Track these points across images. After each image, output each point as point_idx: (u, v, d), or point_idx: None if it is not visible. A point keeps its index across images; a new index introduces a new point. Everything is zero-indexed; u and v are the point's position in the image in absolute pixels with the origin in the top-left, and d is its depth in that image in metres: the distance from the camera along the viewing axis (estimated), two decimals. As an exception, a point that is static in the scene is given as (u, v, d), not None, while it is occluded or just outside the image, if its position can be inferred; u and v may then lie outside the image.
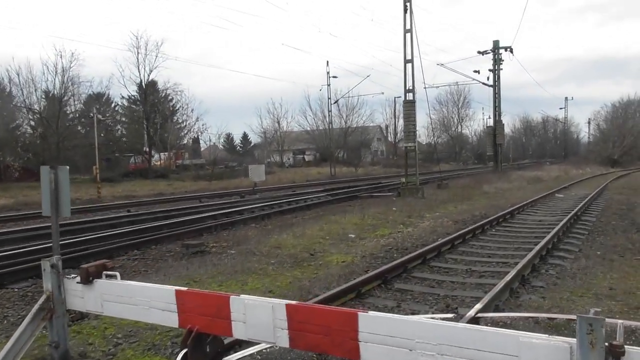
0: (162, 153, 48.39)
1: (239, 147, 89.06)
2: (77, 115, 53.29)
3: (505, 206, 15.62)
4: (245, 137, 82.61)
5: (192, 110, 51.74)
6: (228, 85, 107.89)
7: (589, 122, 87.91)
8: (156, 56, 39.59)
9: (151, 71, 40.36)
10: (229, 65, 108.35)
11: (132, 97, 52.84)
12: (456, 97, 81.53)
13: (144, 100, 41.16)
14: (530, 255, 7.80)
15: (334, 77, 43.96)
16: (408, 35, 18.25)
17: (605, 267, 7.57)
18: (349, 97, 58.77)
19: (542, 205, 16.52)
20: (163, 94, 51.15)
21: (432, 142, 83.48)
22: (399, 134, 72.55)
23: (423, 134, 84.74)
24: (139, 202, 21.58)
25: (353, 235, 10.45)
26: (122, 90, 45.28)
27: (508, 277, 6.44)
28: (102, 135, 52.63)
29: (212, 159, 42.41)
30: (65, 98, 48.54)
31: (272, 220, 13.84)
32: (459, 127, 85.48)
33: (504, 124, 38.13)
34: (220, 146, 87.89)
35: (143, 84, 39.92)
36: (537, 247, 8.39)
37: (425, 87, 41.65)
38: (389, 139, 77.96)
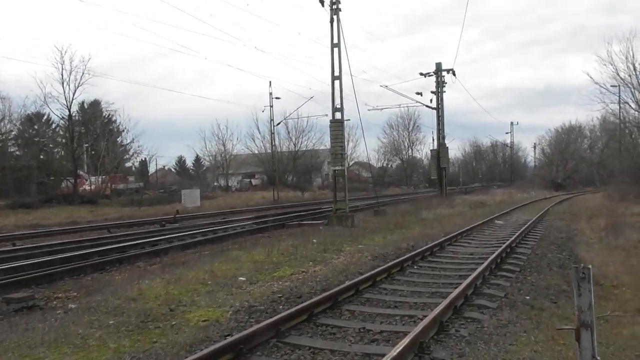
0: (98, 177, 45.27)
1: (191, 170, 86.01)
2: (10, 136, 49.56)
3: (438, 236, 14.19)
4: (197, 160, 79.77)
5: (127, 131, 48.81)
6: (170, 107, 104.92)
7: (534, 147, 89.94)
8: (82, 73, 36.80)
9: (76, 88, 37.46)
10: (166, 85, 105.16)
11: (71, 117, 49.74)
12: (406, 121, 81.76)
13: (68, 121, 38.17)
14: (441, 307, 6.18)
15: (277, 97, 42.33)
16: (336, 49, 16.88)
17: (532, 323, 6.04)
18: (297, 118, 57.33)
19: (478, 233, 15.22)
20: (95, 114, 48.31)
21: (384, 166, 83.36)
22: (348, 157, 71.76)
23: (374, 158, 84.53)
24: (40, 233, 18.97)
25: (243, 279, 8.61)
26: (46, 109, 41.44)
27: (400, 346, 4.76)
28: (41, 157, 49.16)
29: (143, 184, 39.60)
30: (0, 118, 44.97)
31: (165, 257, 11.81)
32: (410, 150, 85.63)
33: (447, 147, 37.52)
34: (174, 169, 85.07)
35: (67, 102, 36.98)
36: (454, 294, 6.80)
37: (369, 109, 40.79)
38: (340, 162, 76.96)
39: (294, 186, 59.09)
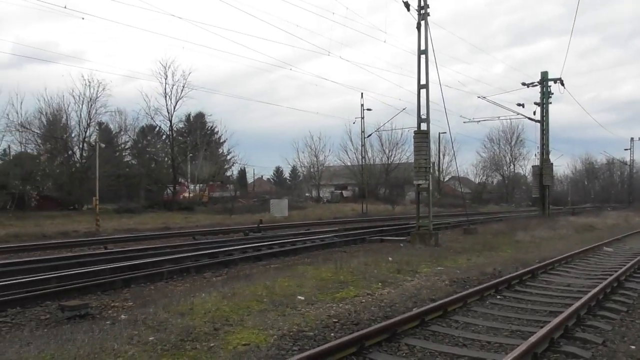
0: (196, 185, 47.70)
1: (288, 181, 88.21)
2: (127, 146, 54.06)
3: (532, 261, 12.66)
4: (294, 170, 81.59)
5: (224, 141, 50.94)
6: (272, 120, 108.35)
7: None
8: (183, 86, 38.94)
9: (177, 101, 39.70)
10: (267, 99, 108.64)
11: (179, 129, 53.14)
12: (509, 135, 77.12)
13: (170, 131, 40.50)
14: (517, 351, 5.14)
15: (368, 109, 41.83)
16: (423, 57, 15.93)
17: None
18: (391, 130, 56.34)
19: (580, 261, 13.38)
20: (197, 125, 50.99)
21: (482, 181, 79.18)
22: (444, 172, 69.15)
23: (472, 173, 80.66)
24: (132, 238, 20.01)
25: (302, 298, 8.04)
26: (146, 120, 44.38)
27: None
28: (152, 166, 53.07)
29: (236, 192, 40.81)
30: (117, 130, 49.30)
31: (234, 268, 11.64)
32: (512, 166, 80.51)
33: (552, 164, 34.41)
34: (271, 179, 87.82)
35: (170, 113, 39.25)
36: (537, 336, 5.68)
37: (465, 122, 38.79)
38: (435, 176, 74.33)
39: (385, 199, 57.99)
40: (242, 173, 76.39)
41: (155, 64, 76.68)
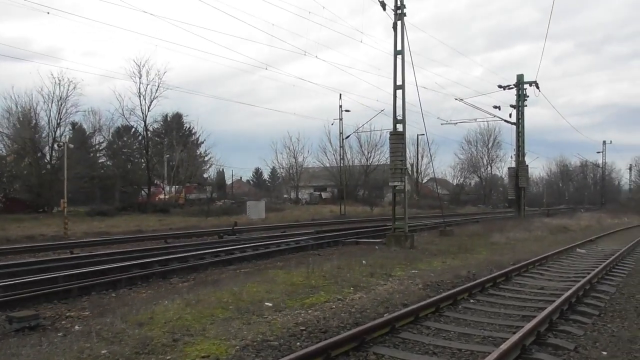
0: (171, 186, 46.89)
1: (268, 182, 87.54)
2: (102, 147, 52.88)
3: (506, 264, 12.61)
4: (273, 172, 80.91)
5: (202, 142, 50.29)
6: (250, 121, 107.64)
7: (630, 168, 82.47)
8: (158, 85, 38.25)
9: (152, 101, 39.00)
10: (246, 100, 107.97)
11: (155, 130, 52.18)
12: (486, 137, 78.01)
13: (145, 131, 39.73)
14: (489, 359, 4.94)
15: (347, 110, 41.71)
16: (399, 57, 15.78)
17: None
18: (370, 132, 56.34)
19: (554, 263, 13.38)
20: (174, 125, 50.21)
21: (460, 183, 79.83)
22: (422, 173, 69.52)
23: (449, 174, 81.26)
24: (103, 241, 19.42)
25: (270, 304, 7.74)
26: (133, 122, 43.47)
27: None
28: (129, 167, 51.98)
29: (212, 194, 40.23)
30: (92, 131, 48.15)
31: (203, 273, 11.28)
32: (490, 168, 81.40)
33: (527, 166, 34.77)
34: (250, 181, 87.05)
35: (144, 113, 38.50)
36: (509, 343, 5.50)
37: (442, 124, 38.96)
38: (414, 177, 74.66)
39: (364, 201, 57.98)
40: (221, 175, 75.57)
41: (130, 63, 75.20)
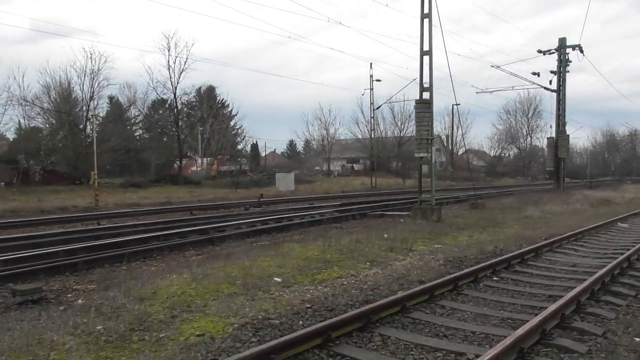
0: (203, 159, 47.31)
1: (302, 155, 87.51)
2: (138, 120, 53.69)
3: (537, 239, 11.96)
4: (307, 144, 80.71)
5: (235, 115, 50.30)
6: (286, 94, 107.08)
7: (682, 137, 77.89)
8: (187, 57, 38.17)
9: (181, 73, 39.01)
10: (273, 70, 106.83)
11: (189, 102, 52.52)
12: (525, 106, 75.09)
13: (175, 103, 39.90)
14: (502, 345, 4.50)
15: (378, 80, 40.64)
16: (426, 21, 14.90)
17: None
18: (404, 101, 55.02)
19: (591, 238, 12.59)
20: (206, 98, 50.29)
21: (498, 154, 77.55)
22: (458, 144, 67.76)
23: (486, 146, 79.01)
24: (131, 213, 19.67)
25: (279, 280, 7.46)
26: (155, 94, 43.89)
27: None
28: (165, 139, 52.74)
29: (241, 166, 40.27)
30: (127, 104, 48.90)
31: (219, 245, 11.12)
32: (529, 138, 78.59)
33: (568, 135, 33.09)
34: (285, 153, 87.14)
35: (173, 86, 38.58)
36: (529, 325, 5.03)
37: (477, 92, 37.43)
38: (449, 149, 72.89)
39: (396, 173, 57.09)
40: (255, 147, 75.93)
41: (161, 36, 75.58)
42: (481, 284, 7.64)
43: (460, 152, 70.91)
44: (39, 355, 4.57)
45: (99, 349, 4.76)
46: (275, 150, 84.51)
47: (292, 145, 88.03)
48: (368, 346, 5.07)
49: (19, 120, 37.16)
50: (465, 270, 8.00)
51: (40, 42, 76.74)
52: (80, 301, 6.50)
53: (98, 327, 5.33)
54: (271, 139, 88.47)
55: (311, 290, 7.04)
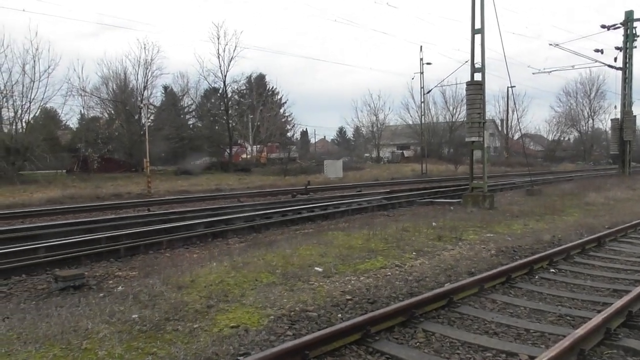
0: (252, 146, 47.77)
1: (352, 141, 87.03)
2: (191, 109, 54.96)
3: (600, 227, 11.13)
4: (357, 130, 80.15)
5: (284, 102, 50.42)
6: (322, 77, 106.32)
7: None
8: (235, 46, 38.47)
9: (230, 61, 39.37)
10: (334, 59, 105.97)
11: (240, 91, 53.21)
12: (587, 87, 70.93)
13: (224, 92, 40.36)
14: (558, 349, 4.05)
15: (428, 63, 39.48)
16: (478, -3, 14.05)
17: None
18: (456, 85, 53.32)
19: (661, 227, 11.57)
20: (254, 86, 50.64)
21: (556, 138, 73.92)
22: (513, 129, 65.15)
23: (544, 129, 75.51)
24: (181, 199, 20.05)
25: (320, 269, 7.22)
26: (206, 83, 44.66)
27: None
28: (217, 127, 53.82)
29: (289, 153, 40.31)
30: (181, 93, 50.14)
31: (263, 233, 11.02)
32: (591, 121, 74.34)
33: (635, 116, 30.91)
34: (335, 140, 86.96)
35: (223, 74, 39.02)
36: (589, 326, 4.53)
37: (534, 73, 35.58)
38: (504, 133, 70.15)
39: (448, 159, 55.56)
40: (304, 134, 76.18)
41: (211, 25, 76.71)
42: (537, 277, 7.11)
43: (515, 137, 68.10)
44: (71, 343, 4.54)
45: (131, 339, 4.68)
46: (325, 137, 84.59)
47: (341, 132, 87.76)
48: (410, 343, 4.74)
49: (80, 110, 38.87)
50: (520, 262, 7.47)
51: (99, 35, 79.66)
52: (120, 288, 6.52)
53: (134, 316, 5.27)
54: (321, 126, 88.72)
55: (353, 281, 6.75)
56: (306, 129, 68.49)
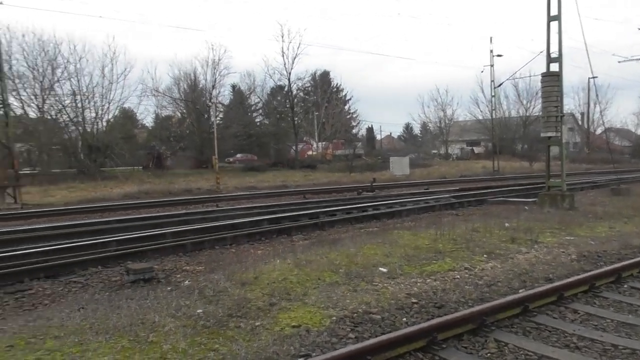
0: (318, 143, 48.04)
1: (419, 138, 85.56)
2: (258, 107, 56.29)
3: (699, 231, 10.06)
4: (424, 126, 78.61)
5: (349, 99, 50.25)
6: (389, 72, 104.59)
7: None
8: (299, 43, 38.80)
9: (294, 59, 39.75)
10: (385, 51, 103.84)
11: (305, 88, 53.82)
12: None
13: (288, 89, 40.79)
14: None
15: (499, 55, 37.69)
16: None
17: None
18: (529, 77, 50.72)
19: None
20: (319, 83, 50.84)
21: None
22: (595, 122, 61.10)
23: (631, 123, 70.20)
24: (248, 195, 20.46)
25: (384, 270, 6.99)
26: (272, 82, 45.45)
27: None
28: (283, 125, 54.87)
29: (353, 151, 40.04)
30: (248, 92, 51.54)
31: (327, 230, 10.91)
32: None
33: None
34: (401, 137, 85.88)
35: (287, 72, 39.46)
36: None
37: (620, 62, 33.05)
38: (584, 128, 65.93)
39: (522, 155, 53.03)
40: (370, 130, 75.56)
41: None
42: (625, 286, 6.48)
43: (598, 131, 63.86)
44: (139, 335, 4.63)
45: (195, 334, 4.71)
46: (390, 133, 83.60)
47: (408, 128, 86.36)
48: (480, 353, 4.43)
49: (155, 110, 40.86)
50: (605, 268, 6.86)
51: (170, 38, 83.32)
52: (186, 282, 6.64)
53: (198, 311, 5.32)
54: (387, 123, 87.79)
55: (419, 283, 6.47)
56: (371, 125, 68.00)
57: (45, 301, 6.16)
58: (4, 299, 6.24)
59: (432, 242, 8.82)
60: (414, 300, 5.78)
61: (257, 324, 5.01)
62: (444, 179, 29.89)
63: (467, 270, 7.14)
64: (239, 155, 45.47)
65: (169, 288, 6.38)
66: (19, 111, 29.89)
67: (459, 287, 6.32)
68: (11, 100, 27.12)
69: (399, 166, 32.88)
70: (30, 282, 6.85)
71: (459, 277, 6.81)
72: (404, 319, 5.23)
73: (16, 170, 18.99)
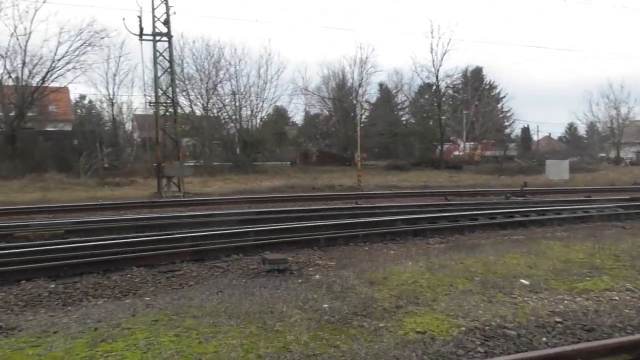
0: (465, 143, 46.03)
1: (585, 140, 77.57)
2: (405, 105, 56.13)
3: None
4: (591, 127, 70.93)
5: (504, 97, 47.21)
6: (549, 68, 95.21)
7: None
8: (449, 39, 37.45)
9: (443, 55, 38.46)
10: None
11: (455, 86, 52.15)
12: None
13: (436, 87, 39.59)
14: None
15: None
16: None
17: None
18: None
19: None
20: (470, 80, 48.54)
21: None
22: None
23: None
24: (388, 194, 20.41)
25: (526, 282, 6.37)
26: (419, 80, 44.53)
27: None
28: (430, 123, 54.08)
29: (504, 152, 37.38)
30: (395, 90, 51.78)
31: (467, 235, 10.34)
32: None
33: None
34: (563, 138, 78.61)
35: (435, 68, 38.34)
36: None
37: None
38: None
39: None
40: (525, 131, 70.12)
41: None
42: None
43: None
44: (266, 324, 4.83)
45: (318, 328, 4.77)
46: (549, 134, 76.58)
47: (571, 128, 78.37)
48: (638, 391, 3.77)
49: (305, 108, 42.96)
50: None
51: (321, 39, 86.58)
52: (317, 276, 6.77)
53: (324, 305, 5.40)
54: (546, 123, 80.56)
55: (566, 301, 5.77)
56: (527, 125, 62.94)
57: (191, 282, 6.78)
58: (157, 277, 7.00)
59: (588, 256, 7.83)
60: (558, 319, 5.16)
61: (380, 325, 4.90)
62: (611, 186, 26.49)
63: (629, 292, 6.17)
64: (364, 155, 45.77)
65: (299, 280, 6.59)
66: (187, 109, 33.62)
67: (616, 310, 5.49)
68: (181, 100, 30.67)
69: (557, 170, 29.94)
70: (180, 263, 7.61)
71: (617, 298, 5.92)
72: (544, 338, 4.69)
73: (181, 162, 21.37)
